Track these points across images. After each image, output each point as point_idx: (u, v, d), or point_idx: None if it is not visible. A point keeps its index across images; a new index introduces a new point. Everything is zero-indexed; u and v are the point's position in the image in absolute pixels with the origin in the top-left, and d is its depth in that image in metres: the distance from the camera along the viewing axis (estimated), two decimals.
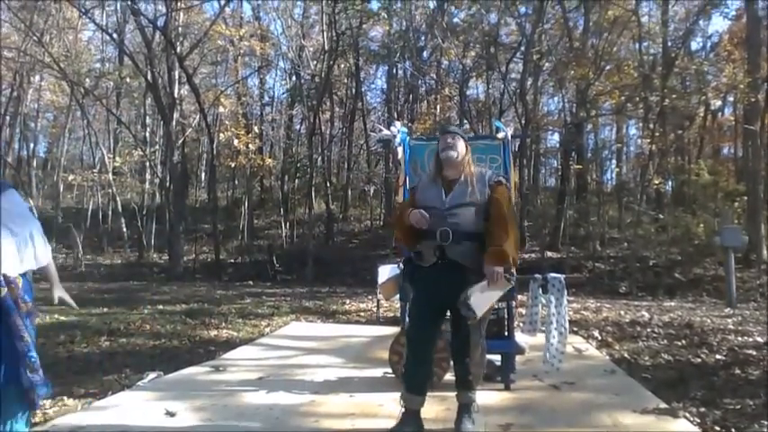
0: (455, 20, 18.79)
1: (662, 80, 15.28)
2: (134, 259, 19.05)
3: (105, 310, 8.13)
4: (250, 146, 18.30)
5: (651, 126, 16.59)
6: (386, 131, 4.31)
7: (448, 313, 2.96)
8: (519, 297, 4.98)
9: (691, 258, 13.89)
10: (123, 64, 20.80)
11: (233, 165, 19.35)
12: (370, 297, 9.36)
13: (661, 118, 16.08)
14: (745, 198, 14.07)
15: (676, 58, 16.09)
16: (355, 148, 24.33)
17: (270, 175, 23.39)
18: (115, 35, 19.15)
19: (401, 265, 3.19)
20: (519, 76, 18.03)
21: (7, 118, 21.59)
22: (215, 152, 18.86)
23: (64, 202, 24.16)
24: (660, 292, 11.78)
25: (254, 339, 5.95)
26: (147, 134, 22.40)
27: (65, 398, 3.59)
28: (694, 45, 19.64)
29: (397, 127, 4.24)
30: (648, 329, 6.01)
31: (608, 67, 16.51)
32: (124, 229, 20.67)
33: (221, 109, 20.25)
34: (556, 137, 22.68)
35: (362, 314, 7.91)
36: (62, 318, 6.95)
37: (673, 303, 9.74)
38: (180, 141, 18.67)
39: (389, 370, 3.97)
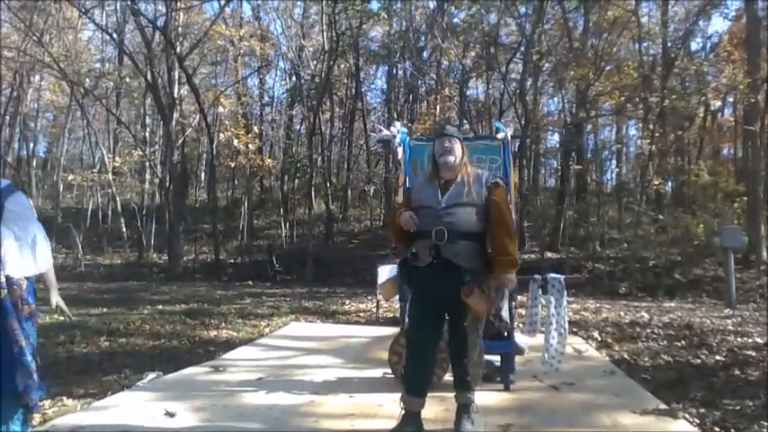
0: (455, 20, 18.81)
1: (662, 81, 15.28)
2: (134, 259, 19.05)
3: (105, 310, 8.13)
4: (250, 146, 18.30)
5: (651, 126, 16.58)
6: (386, 132, 4.31)
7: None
8: (519, 297, 4.97)
9: (690, 259, 13.89)
10: (123, 64, 20.79)
11: (233, 165, 19.35)
12: (369, 297, 9.35)
13: (661, 118, 16.07)
14: (745, 199, 14.07)
15: (676, 59, 16.09)
16: (355, 148, 24.33)
17: (270, 176, 23.39)
18: (115, 35, 19.14)
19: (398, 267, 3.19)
20: (519, 76, 18.02)
21: (7, 118, 21.58)
22: (215, 152, 18.86)
23: (64, 202, 24.16)
24: (660, 293, 11.77)
25: (254, 340, 5.95)
26: (147, 134, 22.43)
27: (64, 398, 3.59)
28: (694, 45, 19.71)
29: (397, 127, 4.23)
30: (648, 330, 6.01)
31: (608, 68, 16.50)
32: (124, 229, 20.68)
33: (221, 109, 20.25)
34: (556, 137, 22.75)
35: (362, 314, 7.90)
36: (62, 318, 6.92)
37: (672, 304, 9.73)
38: (180, 141, 18.66)
39: (389, 370, 3.97)
